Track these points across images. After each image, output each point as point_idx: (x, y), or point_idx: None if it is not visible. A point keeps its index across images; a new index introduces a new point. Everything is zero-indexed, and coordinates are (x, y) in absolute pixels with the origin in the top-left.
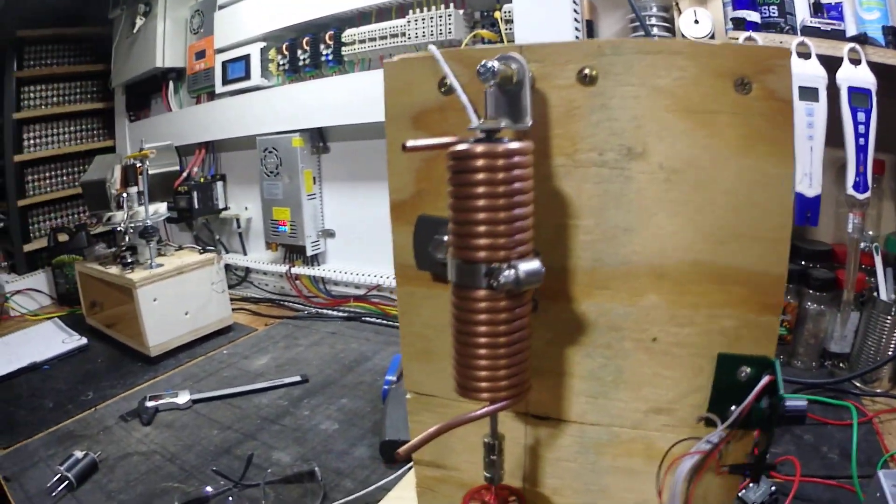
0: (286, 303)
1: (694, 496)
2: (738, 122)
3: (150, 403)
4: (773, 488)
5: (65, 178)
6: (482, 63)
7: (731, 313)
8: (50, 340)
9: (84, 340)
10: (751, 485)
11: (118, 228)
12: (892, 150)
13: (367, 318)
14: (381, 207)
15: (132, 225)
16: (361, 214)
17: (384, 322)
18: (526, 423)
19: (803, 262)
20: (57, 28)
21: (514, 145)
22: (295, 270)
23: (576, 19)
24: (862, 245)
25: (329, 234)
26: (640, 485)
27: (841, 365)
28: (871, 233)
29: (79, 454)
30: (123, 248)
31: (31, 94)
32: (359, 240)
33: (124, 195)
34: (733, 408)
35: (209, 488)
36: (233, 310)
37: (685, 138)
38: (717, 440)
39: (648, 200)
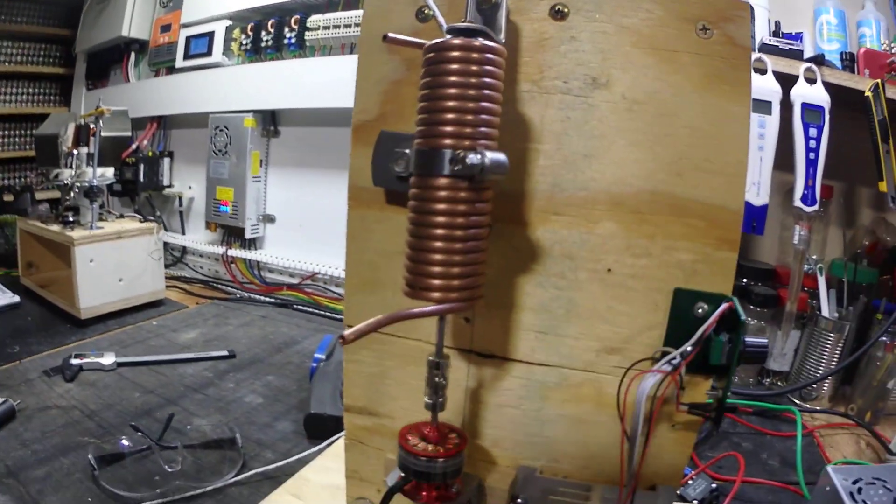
0: (219, 286)
1: (650, 445)
2: (699, 61)
3: (74, 361)
4: (713, 485)
5: (16, 139)
6: None
7: (688, 246)
8: None
9: (17, 298)
10: (689, 482)
11: (64, 183)
12: (841, 177)
13: (300, 307)
14: (324, 197)
15: (78, 183)
16: (304, 202)
17: (316, 311)
18: (469, 361)
19: (745, 280)
20: None
21: (490, 43)
22: (232, 253)
23: None
24: (805, 268)
25: (269, 219)
26: (588, 437)
27: (779, 383)
28: (815, 257)
29: None
30: (66, 207)
31: None
32: (299, 227)
33: (75, 152)
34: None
35: (125, 441)
36: (166, 287)
37: (649, 72)
38: (678, 361)
39: (609, 128)
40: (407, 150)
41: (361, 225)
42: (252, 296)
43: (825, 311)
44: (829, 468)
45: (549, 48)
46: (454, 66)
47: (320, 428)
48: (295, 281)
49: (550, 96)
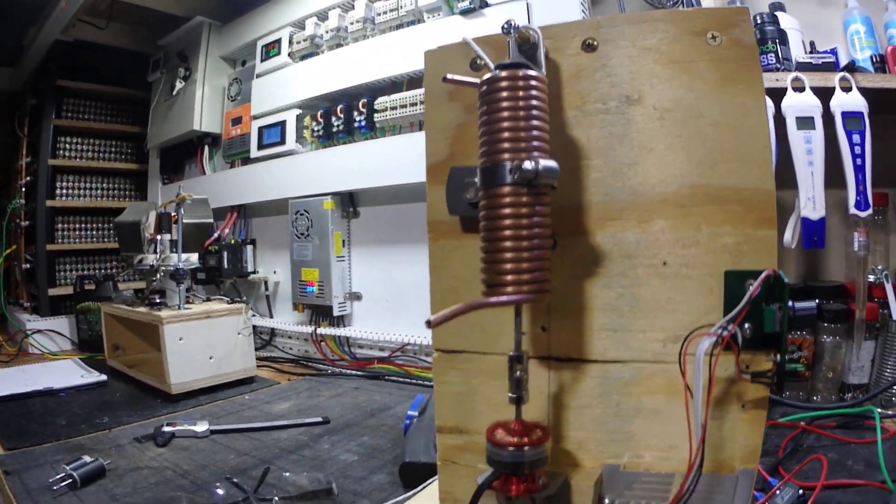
0: (310, 364)
1: (721, 428)
2: (714, 66)
3: (167, 429)
4: (800, 492)
5: (94, 231)
6: (506, 20)
7: (731, 230)
8: (68, 374)
9: (104, 377)
10: (777, 492)
11: (149, 266)
12: (893, 184)
13: (391, 378)
14: (407, 270)
15: (164, 267)
16: (388, 277)
17: (408, 381)
18: (549, 368)
19: (817, 300)
20: (96, 84)
21: (531, 72)
22: (321, 331)
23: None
24: (872, 278)
25: (356, 296)
26: (666, 427)
27: (860, 395)
28: (880, 267)
29: (87, 458)
30: (153, 290)
31: (68, 145)
32: (385, 302)
33: (158, 238)
34: (747, 325)
35: (220, 491)
36: (257, 366)
37: (672, 83)
38: (729, 322)
39: (647, 137)
40: (475, 179)
41: (441, 254)
42: (343, 371)
43: (895, 315)
44: None
45: (585, 77)
46: (504, 94)
47: (415, 476)
48: (385, 354)
49: (593, 118)
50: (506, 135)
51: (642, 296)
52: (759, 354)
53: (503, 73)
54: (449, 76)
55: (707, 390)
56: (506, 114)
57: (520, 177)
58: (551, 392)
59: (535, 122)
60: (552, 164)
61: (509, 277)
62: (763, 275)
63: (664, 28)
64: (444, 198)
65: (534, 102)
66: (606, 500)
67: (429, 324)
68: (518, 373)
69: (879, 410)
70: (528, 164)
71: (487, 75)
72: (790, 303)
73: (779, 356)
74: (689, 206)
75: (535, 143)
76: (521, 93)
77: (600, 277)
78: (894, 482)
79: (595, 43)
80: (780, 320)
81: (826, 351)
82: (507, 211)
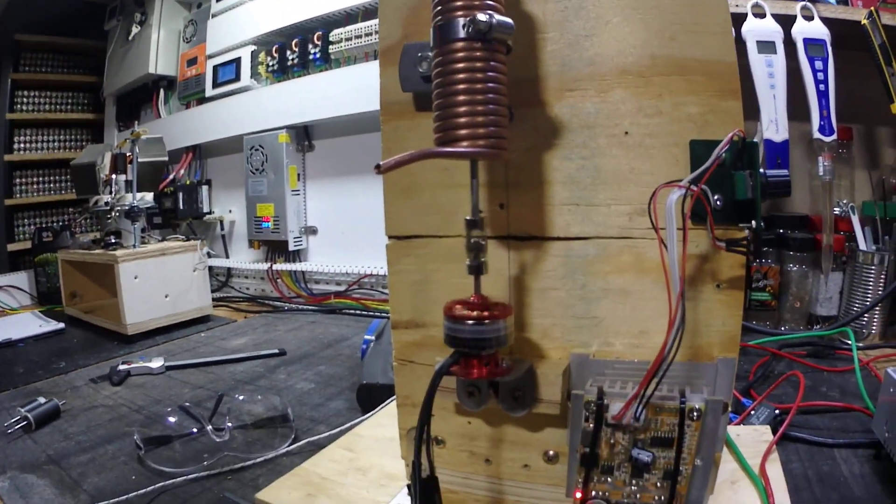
0: (267, 302)
1: (697, 311)
2: None
3: (122, 367)
4: (776, 412)
5: (52, 184)
6: None
7: (694, 100)
8: (26, 325)
9: (61, 325)
10: (752, 412)
11: (104, 208)
12: (859, 120)
13: (348, 311)
14: (363, 202)
15: (118, 206)
16: (343, 210)
17: (365, 313)
18: (509, 248)
19: (781, 230)
20: (54, 36)
21: None
22: (277, 267)
23: None
24: (838, 211)
25: (311, 230)
26: (636, 310)
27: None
28: (846, 200)
29: (42, 399)
30: (108, 232)
31: (25, 99)
32: (341, 235)
33: (113, 177)
34: (717, 197)
35: (172, 419)
36: (213, 306)
37: None
38: (697, 178)
39: (603, 9)
40: (429, 53)
41: (395, 135)
42: (300, 307)
43: (862, 246)
44: (890, 370)
45: None
46: None
47: (373, 399)
48: (342, 288)
49: None
50: None
51: (604, 166)
52: (733, 228)
53: None
54: None
55: (682, 244)
56: None
57: (473, 30)
58: (512, 274)
59: None
60: (507, 19)
61: (464, 131)
62: (730, 134)
63: None
64: (397, 79)
65: None
66: (575, 392)
67: (378, 168)
68: (474, 239)
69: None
70: (481, 16)
71: None
72: (761, 170)
73: (753, 223)
74: (649, 75)
75: (490, 3)
76: None
77: (560, 149)
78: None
79: None
80: (752, 186)
81: (793, 280)
82: (461, 65)
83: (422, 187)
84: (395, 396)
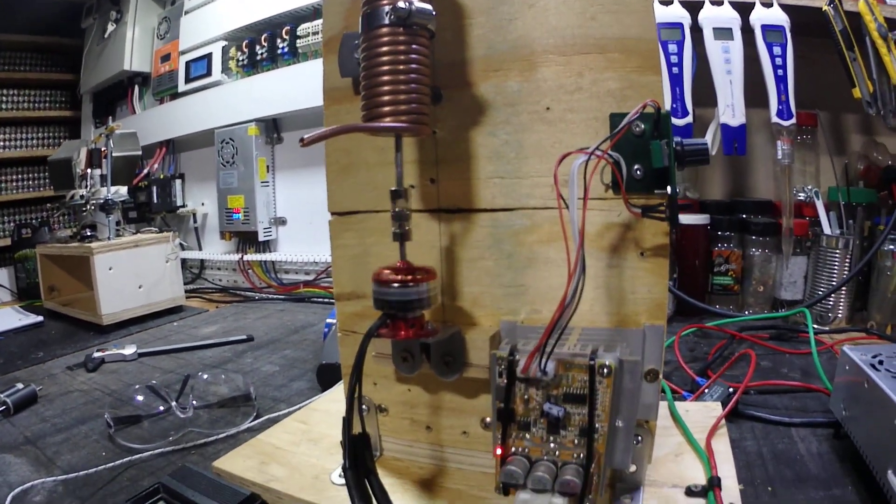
0: (238, 292)
1: (622, 279)
2: None
3: (96, 354)
4: (730, 390)
5: (30, 181)
6: None
7: (614, 76)
8: (6, 319)
9: (40, 318)
10: (706, 391)
11: (80, 202)
12: (823, 107)
13: (316, 300)
14: None
15: (94, 200)
16: (311, 201)
17: (331, 301)
18: (439, 220)
19: (744, 215)
20: (31, 35)
21: None
22: (247, 257)
23: None
24: (802, 197)
25: (281, 221)
26: (562, 278)
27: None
28: (810, 186)
29: (20, 385)
30: (83, 225)
31: (4, 97)
32: (309, 225)
33: (88, 171)
34: (637, 166)
35: (140, 397)
36: (186, 297)
37: None
38: (603, 143)
39: None
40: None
41: (336, 119)
42: (270, 297)
43: (827, 230)
44: (845, 347)
45: None
46: None
47: (333, 378)
48: (310, 278)
49: None
50: None
51: (527, 141)
52: (652, 198)
53: None
54: None
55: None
56: None
57: (395, 16)
58: (443, 245)
59: None
60: (426, 5)
61: (387, 108)
62: (641, 104)
63: None
64: (337, 65)
65: None
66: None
67: (302, 141)
68: (399, 208)
69: (815, 327)
70: (402, 4)
71: None
72: (677, 138)
73: (669, 189)
74: (570, 55)
75: None
76: None
77: (485, 126)
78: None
79: None
80: (668, 155)
81: (755, 265)
82: (384, 49)
83: (359, 166)
84: None
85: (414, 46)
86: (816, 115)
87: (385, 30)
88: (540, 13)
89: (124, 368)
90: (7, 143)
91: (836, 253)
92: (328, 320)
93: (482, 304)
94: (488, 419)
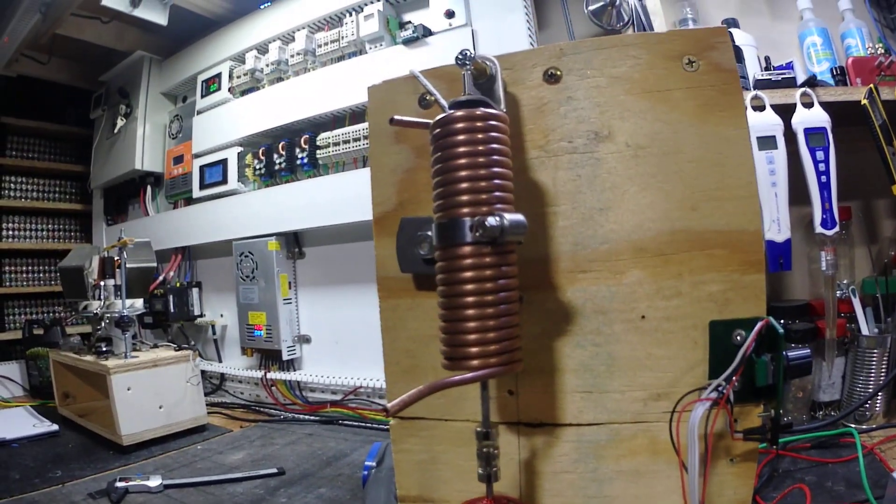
0: (262, 409)
1: (709, 483)
2: (691, 94)
3: (119, 484)
4: None
5: (42, 274)
6: (460, 50)
7: (715, 277)
8: (20, 423)
9: (55, 427)
10: None
11: (94, 313)
12: (855, 196)
13: (345, 422)
14: (357, 311)
15: (108, 314)
16: (337, 319)
17: (363, 425)
18: (519, 433)
19: (782, 321)
20: (40, 122)
21: (491, 110)
22: (271, 375)
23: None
24: (839, 293)
25: (305, 339)
26: (648, 488)
27: (832, 413)
28: (845, 281)
29: None
30: (99, 338)
31: (13, 185)
32: (335, 344)
33: (101, 284)
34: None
35: None
36: (207, 413)
37: (646, 115)
38: (723, 387)
39: (619, 178)
40: (429, 233)
41: (393, 315)
42: (296, 416)
43: (864, 330)
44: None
45: (549, 112)
46: (461, 137)
47: None
48: (338, 397)
49: (559, 158)
50: (464, 185)
51: (619, 353)
52: (749, 407)
53: (459, 113)
54: (396, 118)
55: (704, 463)
56: (463, 161)
57: (482, 234)
58: (522, 459)
59: (496, 170)
60: (519, 218)
61: (474, 350)
62: (756, 328)
63: (635, 54)
64: (395, 253)
65: (494, 146)
66: None
67: (386, 412)
68: (486, 448)
69: (853, 425)
70: (491, 221)
71: (440, 115)
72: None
73: (773, 411)
74: (668, 253)
75: (498, 195)
76: (479, 135)
77: (572, 335)
78: (877, 499)
79: (558, 73)
80: (774, 372)
81: None
82: (469, 274)
83: (425, 371)
84: None
85: (504, 269)
86: (850, 208)
87: (468, 249)
88: (636, 202)
89: (151, 502)
90: (17, 232)
91: (874, 353)
92: (367, 462)
93: None
94: None
